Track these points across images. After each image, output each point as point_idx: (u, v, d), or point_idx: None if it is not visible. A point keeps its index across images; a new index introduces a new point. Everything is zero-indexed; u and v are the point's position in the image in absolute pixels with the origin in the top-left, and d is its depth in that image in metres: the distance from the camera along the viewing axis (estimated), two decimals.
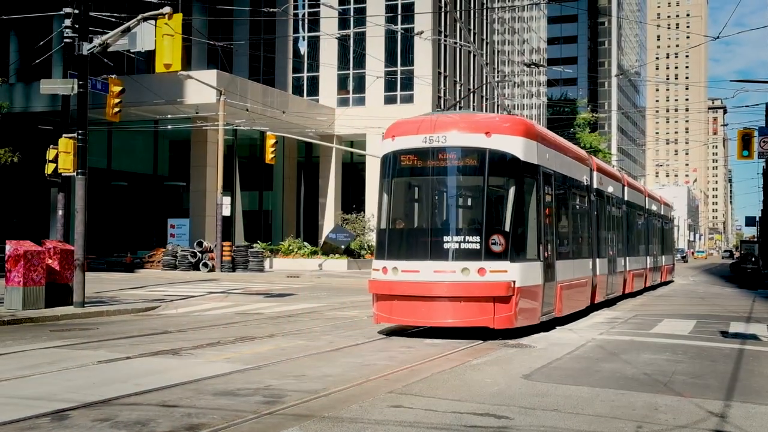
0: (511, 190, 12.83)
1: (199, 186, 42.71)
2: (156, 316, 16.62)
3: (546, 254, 13.85)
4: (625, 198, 23.45)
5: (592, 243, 18.31)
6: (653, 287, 29.27)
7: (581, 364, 10.32)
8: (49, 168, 19.90)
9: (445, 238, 12.69)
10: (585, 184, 17.80)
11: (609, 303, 20.46)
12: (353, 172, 54.33)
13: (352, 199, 53.04)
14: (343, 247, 42.50)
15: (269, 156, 34.23)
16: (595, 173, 18.80)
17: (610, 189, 20.89)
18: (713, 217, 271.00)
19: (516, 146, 12.93)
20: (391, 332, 13.49)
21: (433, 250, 12.66)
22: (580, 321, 16.04)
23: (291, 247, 43.13)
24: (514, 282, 12.39)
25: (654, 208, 30.06)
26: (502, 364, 10.19)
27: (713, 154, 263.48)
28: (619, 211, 22.46)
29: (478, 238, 12.50)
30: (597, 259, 18.50)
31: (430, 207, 13.34)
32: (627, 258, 23.12)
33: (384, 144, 13.68)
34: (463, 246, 12.52)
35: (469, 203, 13.45)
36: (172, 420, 6.87)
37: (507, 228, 12.64)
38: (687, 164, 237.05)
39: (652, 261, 28.89)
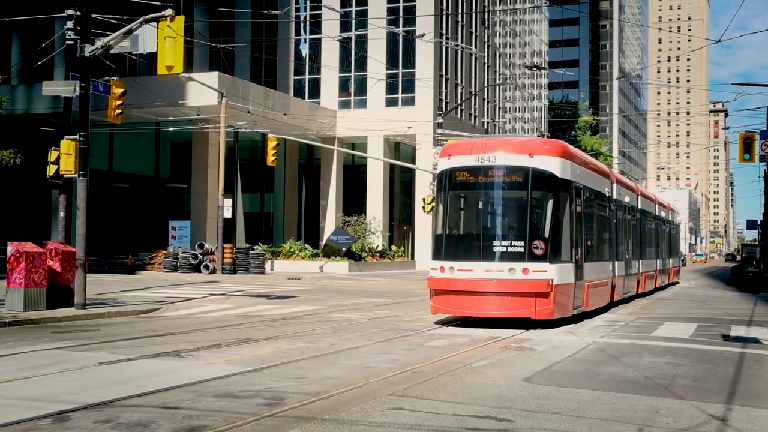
0: (550, 202, 15.16)
1: (200, 188, 42.72)
2: (157, 318, 16.62)
3: (577, 257, 16.15)
4: (639, 206, 25.43)
5: (612, 247, 20.56)
6: (662, 288, 31.18)
7: (582, 367, 10.32)
8: (51, 170, 19.96)
9: (495, 243, 15.02)
10: (606, 195, 19.95)
11: (625, 301, 22.29)
12: (354, 175, 54.34)
13: (354, 202, 53.05)
14: (344, 249, 42.50)
15: (270, 158, 34.24)
16: (614, 185, 21.06)
17: (627, 199, 23.07)
18: (714, 221, 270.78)
19: (554, 165, 15.26)
20: (444, 323, 15.87)
21: (484, 253, 14.96)
22: (582, 325, 16.04)
23: (292, 250, 43.13)
24: (552, 280, 14.61)
25: (663, 214, 32.04)
26: (503, 367, 10.19)
27: (714, 157, 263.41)
28: (634, 218, 24.54)
29: (522, 243, 14.82)
30: (616, 262, 20.64)
31: (481, 216, 16.20)
32: (640, 261, 25.20)
33: (440, 162, 16.11)
34: (510, 249, 14.82)
35: (515, 213, 15.63)
36: (173, 422, 6.87)
37: (546, 234, 14.95)
38: (688, 167, 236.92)
39: (661, 263, 30.94)
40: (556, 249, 14.99)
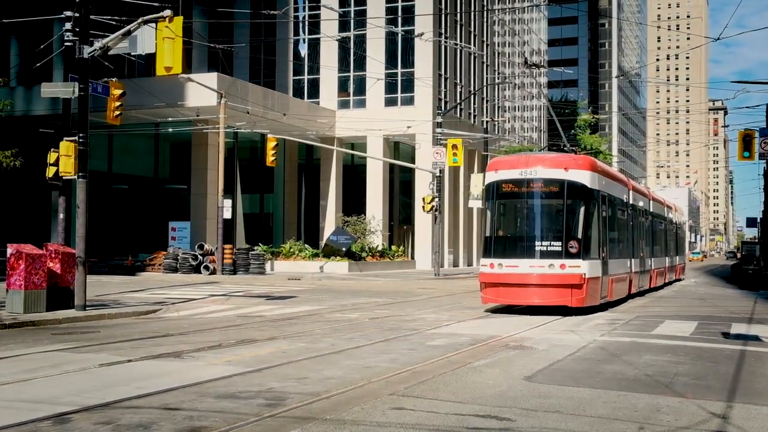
0: (582, 209, 17.85)
1: (200, 189, 42.71)
2: (157, 319, 16.62)
3: (603, 255, 18.87)
4: (650, 210, 28.01)
5: (630, 247, 23.09)
6: (670, 283, 33.83)
7: (583, 366, 10.32)
8: (50, 171, 19.90)
9: (536, 243, 17.80)
10: (625, 201, 22.61)
11: (640, 294, 24.79)
12: (354, 175, 54.32)
13: (353, 202, 53.03)
14: (344, 249, 42.49)
15: (270, 158, 34.25)
16: (630, 192, 23.66)
17: (641, 203, 25.62)
18: (714, 219, 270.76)
19: (585, 178, 18.02)
20: (494, 310, 18.76)
21: (527, 251, 17.79)
22: (582, 323, 16.04)
23: (292, 250, 43.11)
24: (584, 274, 17.37)
25: (670, 215, 34.61)
26: (503, 366, 10.19)
27: (714, 155, 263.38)
28: (646, 220, 27.00)
29: (560, 243, 17.53)
30: (632, 260, 23.28)
31: (524, 220, 18.68)
32: (652, 258, 27.87)
33: (488, 175, 18.95)
34: (549, 248, 17.55)
35: (553, 218, 18.26)
36: (174, 423, 6.87)
37: (579, 236, 17.66)
38: (688, 165, 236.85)
39: (670, 261, 33.60)
40: (587, 248, 17.72)
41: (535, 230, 18.20)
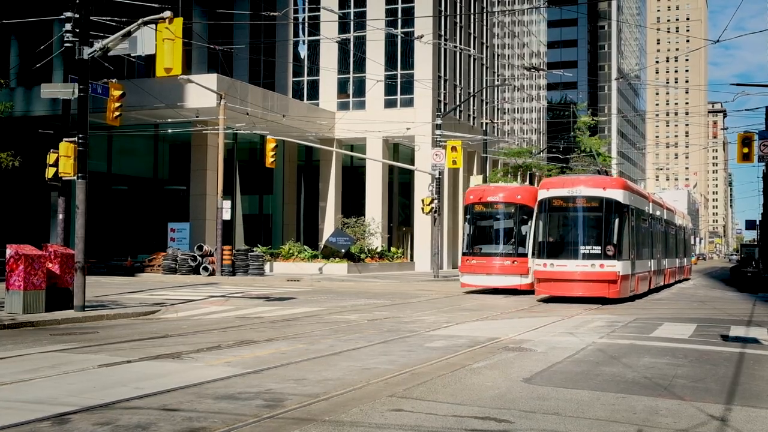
0: (616, 220, 22.59)
1: (199, 190, 42.71)
2: (156, 320, 16.61)
3: (632, 257, 23.66)
4: (665, 218, 32.58)
5: (650, 250, 27.78)
6: (679, 281, 38.25)
7: (581, 368, 10.32)
8: (50, 172, 19.92)
9: (581, 247, 22.62)
10: (646, 212, 27.11)
11: (656, 290, 29.46)
12: (353, 176, 54.33)
13: (353, 203, 53.03)
14: (343, 250, 42.48)
15: (269, 160, 34.24)
16: (650, 203, 28.48)
17: (657, 213, 30.24)
18: (713, 221, 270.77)
19: (619, 195, 22.93)
20: (546, 300, 23.30)
21: (574, 253, 22.66)
22: (581, 326, 16.04)
23: (291, 251, 43.10)
24: (619, 272, 22.17)
25: (680, 222, 39.47)
26: (502, 368, 10.19)
27: (713, 157, 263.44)
28: (662, 227, 31.56)
29: (599, 247, 22.34)
30: (651, 260, 27.92)
31: (571, 229, 23.33)
32: (666, 260, 32.51)
33: (540, 192, 23.83)
34: (591, 251, 22.39)
35: (593, 227, 22.92)
36: (173, 424, 6.87)
37: (615, 241, 22.32)
38: (687, 168, 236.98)
39: (679, 262, 38.58)
40: (620, 251, 22.44)
41: (579, 237, 22.89)
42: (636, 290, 24.42)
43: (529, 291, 25.37)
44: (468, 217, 27.46)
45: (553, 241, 23.29)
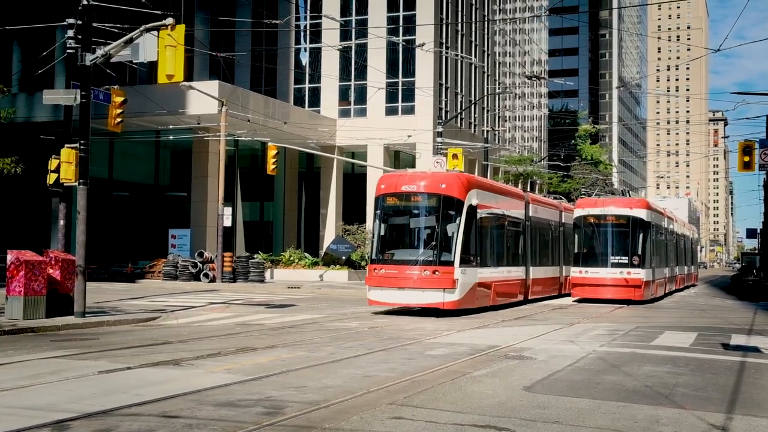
0: (641, 235, 27.02)
1: (200, 196, 42.71)
2: (157, 327, 16.60)
3: (653, 265, 28.18)
4: (675, 230, 36.82)
5: (665, 259, 32.10)
6: (688, 287, 43.01)
7: (582, 376, 10.30)
8: (51, 178, 19.93)
9: (611, 257, 26.98)
10: (663, 226, 31.61)
11: (669, 294, 33.53)
12: (354, 183, 54.30)
13: (354, 210, 52.98)
14: (344, 258, 42.46)
15: (270, 167, 34.24)
16: (665, 218, 32.84)
17: (671, 227, 34.58)
18: (714, 229, 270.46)
19: (643, 214, 27.48)
20: (580, 301, 27.50)
21: (604, 262, 26.93)
22: (582, 334, 16.02)
23: (292, 258, 43.07)
24: (642, 279, 26.56)
25: (688, 233, 44.14)
26: (502, 376, 10.17)
27: (714, 166, 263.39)
28: (674, 238, 36.11)
29: (627, 258, 26.77)
30: (666, 268, 32.25)
31: (602, 241, 27.45)
32: (677, 267, 36.93)
33: (576, 211, 28.38)
34: (620, 260, 26.72)
35: (622, 240, 27.19)
36: (172, 430, 6.87)
37: (639, 252, 26.82)
38: (688, 176, 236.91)
39: (688, 269, 43.23)
40: (643, 261, 26.79)
41: (609, 248, 27.18)
42: (655, 294, 28.73)
43: (457, 311, 19.79)
44: (377, 212, 20.72)
45: (587, 252, 27.55)
